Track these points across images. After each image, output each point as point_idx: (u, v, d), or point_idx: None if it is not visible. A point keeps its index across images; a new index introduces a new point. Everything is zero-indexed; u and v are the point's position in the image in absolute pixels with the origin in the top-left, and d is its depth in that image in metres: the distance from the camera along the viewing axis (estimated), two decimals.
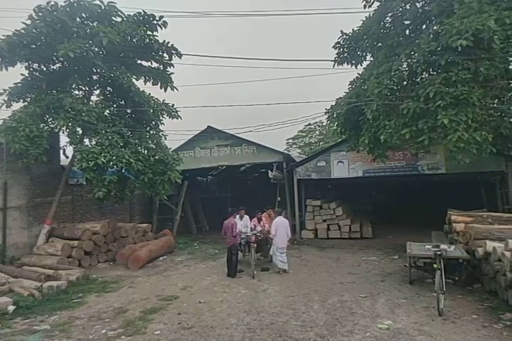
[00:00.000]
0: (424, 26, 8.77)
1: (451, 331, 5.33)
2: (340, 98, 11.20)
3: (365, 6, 9.81)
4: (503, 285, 6.20)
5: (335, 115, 10.55)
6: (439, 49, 7.41)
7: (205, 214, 18.79)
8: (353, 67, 11.33)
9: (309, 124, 38.32)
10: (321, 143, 37.96)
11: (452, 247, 6.91)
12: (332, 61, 11.21)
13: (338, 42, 10.96)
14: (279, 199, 15.09)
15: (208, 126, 15.08)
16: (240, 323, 5.89)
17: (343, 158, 13.43)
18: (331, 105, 11.29)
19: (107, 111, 10.42)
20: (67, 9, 9.75)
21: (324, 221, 14.16)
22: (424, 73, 8.66)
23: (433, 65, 7.72)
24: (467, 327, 5.44)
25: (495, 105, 8.02)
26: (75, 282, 8.43)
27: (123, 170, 10.54)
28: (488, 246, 6.82)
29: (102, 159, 9.24)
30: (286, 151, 39.73)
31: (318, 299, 7.04)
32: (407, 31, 8.88)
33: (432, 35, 7.56)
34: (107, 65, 10.11)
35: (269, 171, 13.95)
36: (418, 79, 8.41)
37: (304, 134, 41.84)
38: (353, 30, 10.74)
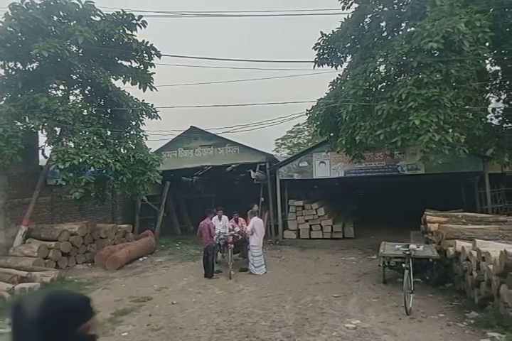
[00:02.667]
0: (399, 28, 8.86)
1: (415, 330, 5.40)
2: (321, 99, 11.27)
3: (343, 8, 9.89)
4: (469, 284, 6.30)
5: (314, 116, 10.59)
6: (412, 51, 7.49)
7: (190, 215, 18.71)
8: (334, 68, 11.40)
9: (298, 125, 38.38)
10: (309, 144, 38.05)
11: (421, 247, 6.99)
12: (312, 62, 11.28)
13: (317, 44, 11.01)
14: (262, 199, 15.10)
15: (191, 127, 15.02)
16: (210, 324, 5.88)
17: (325, 158, 13.50)
18: (312, 106, 11.35)
19: (85, 111, 10.31)
20: (44, 7, 9.64)
21: (307, 221, 14.21)
22: (403, 75, 8.76)
23: (406, 66, 7.81)
24: (432, 326, 5.52)
25: (467, 107, 8.12)
26: (49, 283, 8.32)
27: (103, 171, 10.46)
28: (458, 246, 6.91)
29: (79, 159, 9.15)
30: (275, 152, 39.88)
31: (291, 299, 7.07)
32: (383, 33, 8.96)
33: (405, 37, 7.64)
34: (85, 65, 10.02)
35: (252, 171, 13.96)
36: (393, 81, 8.49)
37: (292, 135, 41.92)
38: (332, 31, 10.80)
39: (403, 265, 6.29)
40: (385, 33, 9.04)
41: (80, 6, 10.03)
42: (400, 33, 8.41)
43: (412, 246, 6.54)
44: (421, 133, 7.29)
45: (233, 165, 18.64)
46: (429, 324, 5.62)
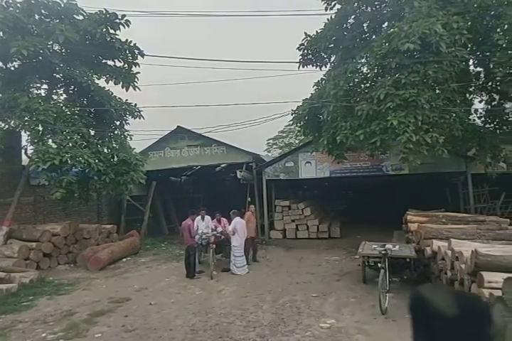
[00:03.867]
0: (379, 29, 8.92)
1: (389, 329, 5.43)
2: (306, 99, 11.30)
3: (326, 9, 9.93)
4: (444, 283, 6.35)
5: (298, 116, 10.62)
6: (390, 52, 7.54)
7: (178, 215, 18.63)
8: (318, 68, 11.43)
9: (289, 125, 38.36)
10: (301, 144, 38.08)
11: (398, 246, 7.04)
12: (297, 63, 11.31)
13: (302, 44, 11.03)
14: (249, 199, 15.10)
15: (178, 126, 14.97)
16: (185, 324, 5.87)
17: (311, 158, 13.54)
18: (297, 106, 11.38)
19: (67, 110, 10.21)
20: (25, 6, 9.55)
21: (293, 221, 14.24)
22: (386, 75, 8.81)
23: (385, 67, 7.86)
24: (405, 325, 5.39)
25: (446, 108, 8.19)
26: (28, 285, 8.24)
27: (86, 171, 10.39)
28: (435, 246, 6.98)
29: (60, 159, 9.08)
30: (266, 152, 39.86)
31: (270, 299, 7.08)
32: (364, 34, 9.02)
33: (384, 38, 7.69)
34: (67, 64, 9.94)
35: (238, 171, 13.96)
36: (373, 82, 8.54)
37: (284, 135, 41.97)
38: (316, 32, 10.84)
39: (379, 264, 6.33)
40: (366, 34, 9.08)
41: (62, 5, 9.94)
42: (381, 34, 8.44)
43: (388, 245, 6.58)
44: (399, 133, 7.34)
45: (222, 165, 18.65)
46: (403, 323, 5.63)
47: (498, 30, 7.98)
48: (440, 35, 6.98)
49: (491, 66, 7.91)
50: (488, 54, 8.26)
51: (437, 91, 7.90)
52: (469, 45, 8.45)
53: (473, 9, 8.02)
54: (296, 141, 41.19)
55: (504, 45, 7.70)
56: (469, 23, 7.97)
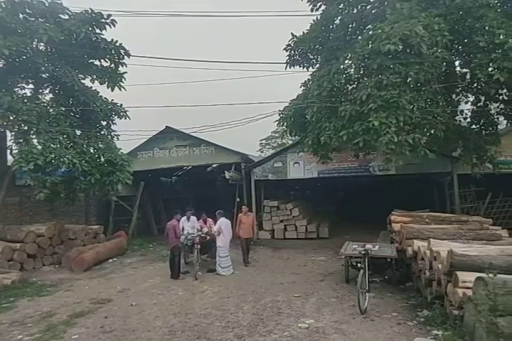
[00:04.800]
0: (362, 30, 8.96)
1: (365, 329, 5.46)
2: (293, 99, 11.32)
3: (312, 10, 9.97)
4: (423, 283, 6.41)
5: (284, 116, 10.64)
6: (372, 53, 7.57)
7: (168, 215, 18.57)
8: (305, 69, 11.45)
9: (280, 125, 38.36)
10: (289, 145, 38.12)
11: (377, 246, 7.07)
12: (284, 63, 11.32)
13: (288, 45, 11.04)
14: (238, 199, 15.12)
15: (167, 127, 14.93)
16: (164, 326, 5.86)
17: (299, 159, 13.57)
18: (284, 106, 11.39)
19: (52, 110, 10.14)
20: (8, 5, 9.46)
21: (281, 221, 14.27)
22: (369, 76, 8.85)
23: (368, 68, 7.90)
24: (383, 325, 5.59)
25: (428, 108, 8.24)
26: (9, 286, 8.17)
27: (72, 171, 10.32)
28: (415, 246, 7.03)
29: (43, 159, 9.01)
30: (259, 152, 39.83)
31: (252, 299, 7.08)
32: (348, 35, 9.06)
33: (366, 40, 7.73)
34: (51, 63, 9.87)
35: (226, 172, 13.96)
36: (357, 83, 8.58)
37: (277, 135, 41.98)
38: (303, 32, 10.86)
39: (359, 264, 6.35)
40: (350, 35, 9.13)
41: (47, 4, 9.87)
42: (362, 35, 8.49)
43: (368, 246, 6.61)
44: (381, 134, 7.38)
45: (214, 165, 18.63)
46: (380, 323, 5.69)
47: (480, 31, 8.03)
48: (421, 37, 7.02)
49: (472, 67, 7.94)
50: (470, 55, 8.31)
51: (419, 92, 7.94)
52: (452, 47, 8.52)
53: (455, 11, 8.08)
54: (290, 141, 41.28)
55: (485, 47, 7.78)
56: (451, 25, 8.01)
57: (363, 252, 6.41)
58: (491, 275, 3.93)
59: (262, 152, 40.30)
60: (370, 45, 7.50)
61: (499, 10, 8.48)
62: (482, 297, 3.83)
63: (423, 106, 7.95)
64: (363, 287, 6.12)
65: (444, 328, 4.98)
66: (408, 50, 7.56)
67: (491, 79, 7.76)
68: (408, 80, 7.46)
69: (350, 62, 8.12)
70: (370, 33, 7.72)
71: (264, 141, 42.04)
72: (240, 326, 5.74)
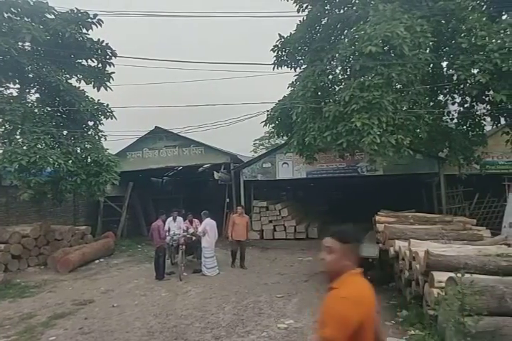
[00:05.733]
0: (347, 31, 9.00)
1: None
2: (280, 100, 11.34)
3: (298, 10, 10.00)
4: (403, 283, 6.44)
5: (271, 117, 10.65)
6: (355, 54, 7.61)
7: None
8: (293, 69, 11.47)
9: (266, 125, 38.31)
10: (278, 145, 38.09)
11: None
12: (272, 64, 11.33)
13: (276, 46, 11.04)
14: (228, 200, 15.11)
15: (156, 127, 14.90)
16: (143, 327, 5.83)
17: (288, 159, 13.59)
18: (272, 107, 11.40)
19: (37, 110, 10.08)
20: None
21: (270, 222, 14.27)
22: (352, 77, 8.88)
23: (351, 69, 7.94)
24: None
25: (413, 110, 8.29)
26: None
27: (57, 172, 10.26)
28: (397, 246, 7.05)
29: (27, 160, 8.95)
30: (253, 152, 39.80)
31: (234, 300, 7.08)
32: (332, 36, 9.09)
33: (349, 41, 7.76)
34: (36, 63, 9.82)
35: (215, 172, 13.95)
36: (341, 83, 8.62)
37: (271, 135, 41.85)
38: (290, 33, 10.88)
39: None
40: (334, 36, 9.16)
41: (31, 3, 9.81)
42: (346, 36, 8.53)
43: None
44: (363, 135, 7.41)
45: (206, 166, 18.60)
46: None
47: (463, 33, 8.09)
48: (403, 38, 7.06)
49: (455, 69, 8.00)
50: (453, 57, 8.37)
51: (403, 93, 7.98)
52: (436, 48, 8.57)
53: (439, 13, 8.14)
54: (282, 141, 41.28)
55: (467, 49, 7.83)
56: (435, 27, 8.06)
57: None
58: (459, 275, 3.96)
59: (256, 152, 40.27)
60: (353, 47, 7.53)
61: (482, 12, 8.56)
62: (451, 297, 3.86)
63: (406, 108, 7.98)
64: None
65: (420, 328, 5.02)
66: (391, 52, 7.60)
67: (473, 80, 7.81)
68: (391, 81, 7.49)
69: (334, 63, 8.14)
70: (353, 34, 7.74)
71: (258, 142, 42.01)
72: (219, 327, 5.73)
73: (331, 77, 8.53)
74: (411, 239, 6.57)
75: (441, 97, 11.21)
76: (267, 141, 41.80)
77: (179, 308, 6.68)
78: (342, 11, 9.60)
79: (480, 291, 3.85)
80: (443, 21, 8.27)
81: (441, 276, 5.02)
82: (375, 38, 7.00)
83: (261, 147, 42.06)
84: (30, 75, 10.56)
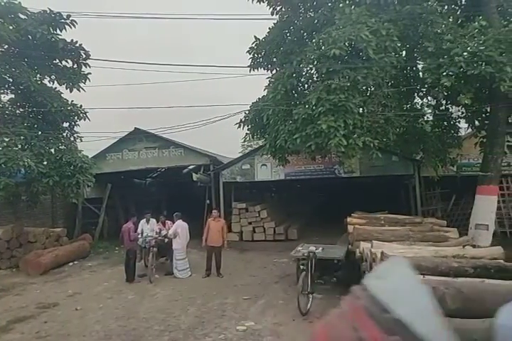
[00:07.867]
0: (315, 34, 9.05)
1: (301, 330, 5.48)
2: (255, 102, 11.37)
3: (272, 13, 10.05)
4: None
5: (245, 119, 10.67)
6: (321, 57, 7.64)
7: (139, 218, 18.39)
8: (268, 71, 11.50)
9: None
10: (256, 147, 38.15)
11: (320, 248, 7.14)
12: (248, 67, 11.35)
13: (252, 48, 11.08)
14: (208, 202, 15.05)
15: (135, 128, 14.81)
16: (102, 330, 5.80)
17: (267, 161, 13.58)
18: (249, 109, 11.42)
19: (7, 111, 9.97)
20: None
21: (250, 223, 14.23)
22: (319, 80, 8.92)
23: (318, 72, 7.99)
24: None
25: (383, 112, 8.36)
26: None
27: (27, 173, 10.14)
28: (361, 247, 7.11)
29: None
30: (241, 154, 39.71)
31: (200, 302, 7.07)
32: (301, 39, 9.14)
33: (315, 44, 7.80)
34: (7, 64, 9.71)
35: (194, 174, 13.91)
36: (310, 86, 8.67)
37: (246, 137, 41.80)
38: (265, 35, 10.92)
39: (301, 266, 6.40)
40: (303, 39, 9.21)
41: (3, 3, 9.71)
42: (315, 39, 8.58)
43: (312, 248, 6.68)
44: (330, 137, 7.45)
45: (190, 167, 18.53)
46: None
47: (430, 37, 8.19)
48: (367, 41, 7.12)
49: (422, 72, 8.10)
50: (419, 60, 8.48)
51: (370, 96, 8.05)
52: (403, 52, 8.67)
53: (406, 17, 8.22)
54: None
55: (433, 52, 7.93)
56: (402, 30, 8.15)
57: (306, 254, 6.46)
58: None
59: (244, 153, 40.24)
60: (319, 50, 7.58)
61: (450, 17, 8.69)
62: None
63: (373, 110, 8.06)
64: (304, 289, 6.17)
65: None
66: (358, 55, 7.67)
67: (438, 83, 7.91)
68: (357, 84, 7.55)
69: (302, 65, 8.18)
70: (319, 37, 7.79)
71: (246, 143, 41.97)
72: (178, 329, 5.72)
73: (302, 79, 8.56)
74: (374, 241, 6.63)
75: (418, 100, 11.37)
76: (255, 142, 41.88)
77: (143, 311, 6.65)
78: (312, 14, 9.68)
79: None
80: (411, 25, 8.35)
81: None
82: (339, 41, 7.06)
83: (249, 148, 42.05)
84: (3, 76, 10.46)
